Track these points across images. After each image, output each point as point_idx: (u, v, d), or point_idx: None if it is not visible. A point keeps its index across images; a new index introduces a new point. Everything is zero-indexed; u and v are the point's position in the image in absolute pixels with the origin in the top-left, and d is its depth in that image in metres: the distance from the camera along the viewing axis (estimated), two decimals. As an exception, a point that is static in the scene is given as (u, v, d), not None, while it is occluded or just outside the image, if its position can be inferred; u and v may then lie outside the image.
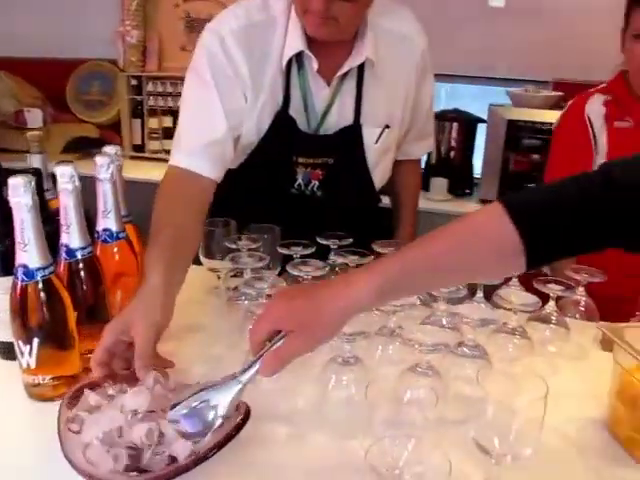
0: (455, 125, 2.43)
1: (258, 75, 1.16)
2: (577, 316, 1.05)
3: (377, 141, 1.23)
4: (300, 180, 1.25)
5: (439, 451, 0.64)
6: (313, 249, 1.06)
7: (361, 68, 1.18)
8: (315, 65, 1.15)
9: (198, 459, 0.69)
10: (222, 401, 0.73)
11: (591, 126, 1.52)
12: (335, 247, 1.10)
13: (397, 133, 1.29)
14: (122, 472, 0.67)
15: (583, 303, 1.05)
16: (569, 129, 1.60)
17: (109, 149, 1.01)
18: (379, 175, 1.30)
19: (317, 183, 1.25)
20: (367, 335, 0.83)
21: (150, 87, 2.77)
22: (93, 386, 0.81)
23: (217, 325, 1.04)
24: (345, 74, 1.18)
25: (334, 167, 1.23)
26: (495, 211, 0.72)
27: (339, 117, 1.21)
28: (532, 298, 0.94)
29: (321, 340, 0.72)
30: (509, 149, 2.26)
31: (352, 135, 1.22)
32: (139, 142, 2.83)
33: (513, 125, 2.23)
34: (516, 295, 0.96)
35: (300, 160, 1.23)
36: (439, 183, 2.41)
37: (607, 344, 0.98)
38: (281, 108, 1.18)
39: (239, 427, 0.73)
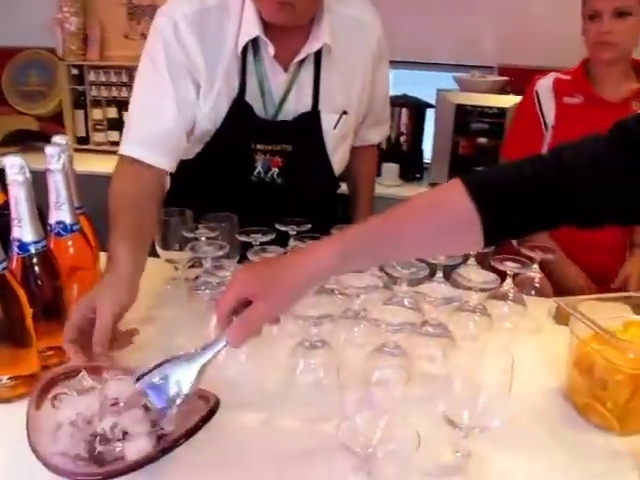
0: (404, 110, 2.46)
1: (213, 62, 1.13)
2: (532, 292, 1.09)
3: (335, 127, 1.23)
4: (260, 168, 1.23)
5: (410, 427, 0.66)
6: (273, 236, 1.06)
7: (318, 54, 1.17)
8: (271, 51, 1.13)
9: (164, 449, 0.67)
10: (188, 375, 0.72)
11: (538, 101, 1.64)
12: (294, 233, 1.10)
13: (354, 119, 1.29)
14: (76, 460, 0.66)
15: (537, 280, 1.09)
16: (521, 106, 1.74)
17: (59, 139, 0.99)
18: (338, 161, 1.30)
19: (277, 170, 1.24)
20: (333, 318, 0.83)
21: (92, 77, 2.68)
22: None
23: (178, 316, 1.03)
24: (302, 60, 1.17)
25: (293, 154, 1.22)
26: (455, 187, 0.75)
27: (297, 103, 1.20)
28: (491, 276, 0.97)
29: (285, 305, 0.73)
30: (458, 133, 2.30)
31: (311, 121, 1.21)
32: (83, 134, 2.74)
33: (461, 110, 2.27)
34: (475, 273, 0.98)
35: (259, 147, 1.21)
36: (390, 168, 2.44)
37: (561, 318, 1.02)
38: (237, 95, 1.16)
39: (206, 418, 0.72)
